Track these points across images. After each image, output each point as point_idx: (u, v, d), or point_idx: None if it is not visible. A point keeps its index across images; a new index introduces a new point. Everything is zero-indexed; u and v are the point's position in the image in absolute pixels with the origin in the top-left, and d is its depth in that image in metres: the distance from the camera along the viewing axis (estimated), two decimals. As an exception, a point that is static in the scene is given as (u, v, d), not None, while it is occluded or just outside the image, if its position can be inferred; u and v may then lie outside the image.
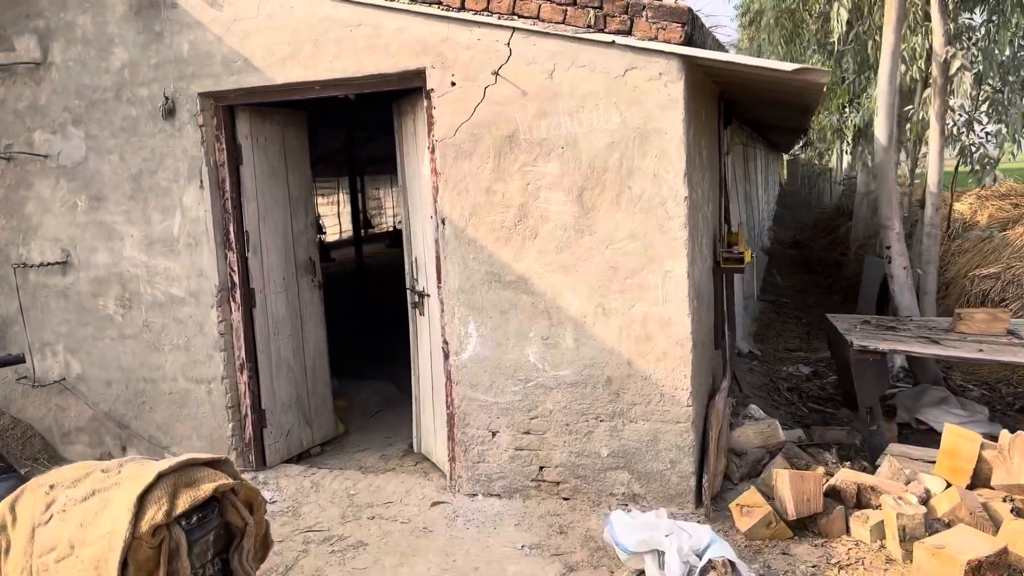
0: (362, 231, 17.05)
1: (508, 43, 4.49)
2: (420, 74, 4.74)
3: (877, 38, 8.73)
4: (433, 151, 4.80)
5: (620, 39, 4.29)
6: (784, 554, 4.08)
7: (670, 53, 4.23)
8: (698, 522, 4.32)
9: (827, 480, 4.40)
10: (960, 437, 4.38)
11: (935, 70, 7.15)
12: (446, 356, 4.97)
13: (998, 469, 4.22)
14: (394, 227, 25.03)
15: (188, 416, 5.51)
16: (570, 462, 4.73)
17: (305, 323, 5.92)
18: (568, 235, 4.55)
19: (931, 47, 7.17)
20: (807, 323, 11.08)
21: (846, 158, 18.41)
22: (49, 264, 5.61)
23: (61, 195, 5.56)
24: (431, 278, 5.15)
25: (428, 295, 5.28)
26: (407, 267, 5.59)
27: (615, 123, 4.38)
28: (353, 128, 12.13)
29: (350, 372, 7.54)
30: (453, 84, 4.62)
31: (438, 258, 4.90)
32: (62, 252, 5.62)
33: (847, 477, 4.37)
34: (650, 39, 4.27)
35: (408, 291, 5.59)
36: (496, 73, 4.51)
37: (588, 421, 4.67)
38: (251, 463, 5.50)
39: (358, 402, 7.09)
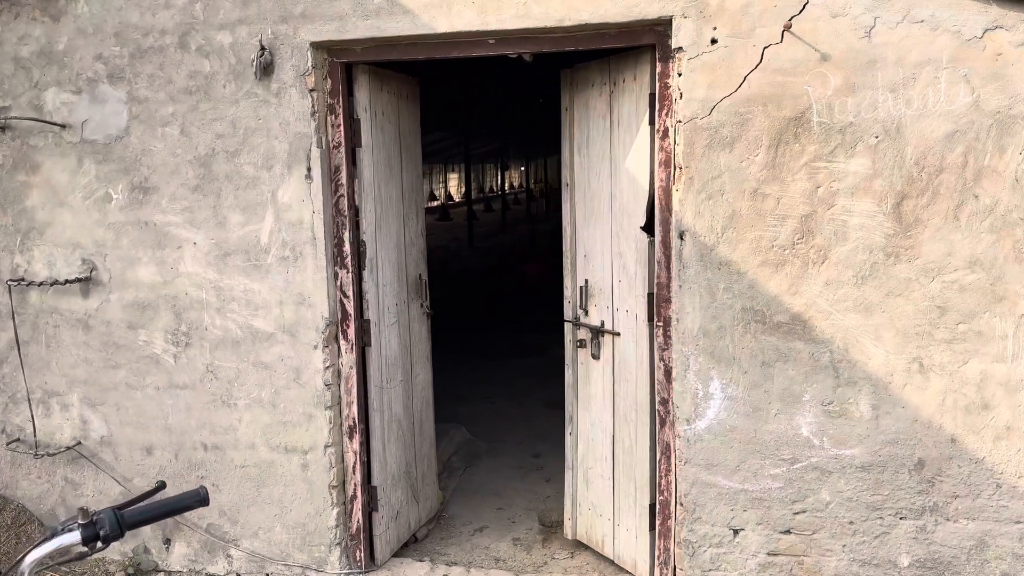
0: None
1: (804, -15, 3.15)
2: (659, 26, 3.34)
3: None
4: (665, 135, 3.40)
5: (983, -16, 3.01)
6: None
7: (1058, 7, 2.97)
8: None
9: None
10: None
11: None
12: (663, 423, 3.58)
13: None
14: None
15: (269, 498, 3.92)
16: (851, 573, 3.42)
17: (415, 364, 4.40)
18: (875, 260, 3.24)
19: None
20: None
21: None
22: (63, 282, 3.92)
23: (86, 182, 3.88)
24: (630, 311, 3.75)
25: (615, 333, 3.87)
26: (569, 292, 4.16)
27: (962, 105, 3.09)
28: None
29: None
30: (714, 42, 3.24)
31: (659, 286, 3.51)
32: (83, 264, 3.93)
33: None
34: (1028, -14, 3.01)
35: (569, 325, 4.16)
36: (786, 28, 3.16)
37: (883, 518, 3.37)
38: (358, 562, 3.96)
39: (437, 455, 5.59)
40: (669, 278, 3.47)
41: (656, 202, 3.49)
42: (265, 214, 3.73)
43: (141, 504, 1.61)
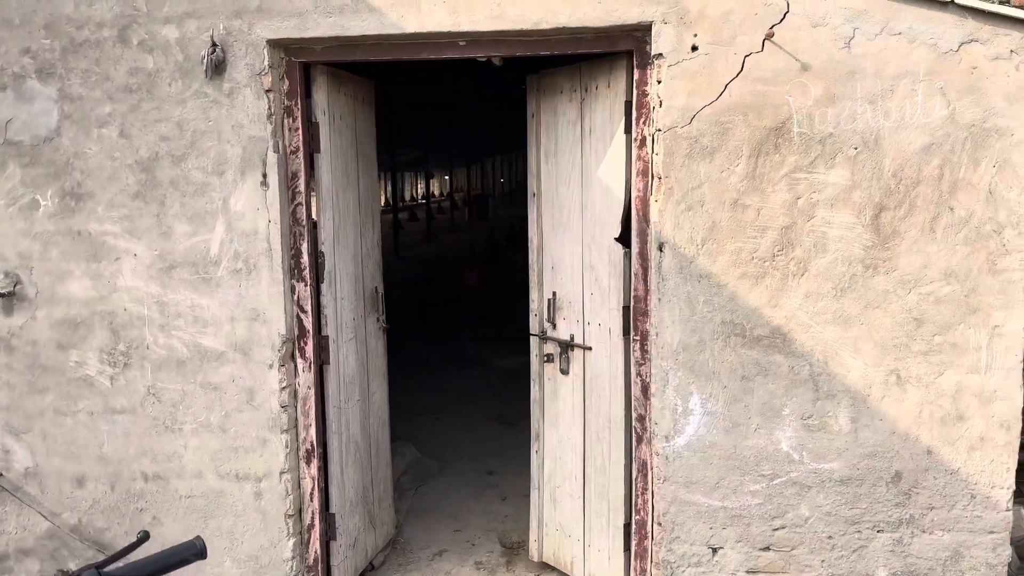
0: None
1: (785, -6, 3.11)
2: (638, 32, 3.25)
3: None
4: (643, 144, 3.31)
5: (960, -2, 3.03)
6: None
7: (1031, 23, 3.02)
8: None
9: None
10: None
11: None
12: (640, 440, 3.48)
13: None
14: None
15: (218, 530, 3.62)
16: (830, 588, 3.39)
17: (371, 382, 4.18)
18: (854, 272, 3.22)
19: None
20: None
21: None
22: (-18, 296, 3.54)
23: (9, 188, 3.52)
24: (603, 325, 3.63)
25: (587, 347, 3.75)
26: (536, 305, 4.02)
27: (938, 117, 3.10)
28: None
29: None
30: (694, 49, 3.16)
31: (635, 299, 3.41)
32: (5, 278, 3.56)
33: None
34: (1001, 1, 3.05)
35: (536, 339, 4.02)
36: (768, 37, 3.11)
37: (861, 532, 3.35)
38: (316, 596, 3.71)
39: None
40: (647, 291, 3.37)
41: (633, 213, 3.39)
42: (215, 223, 3.45)
43: (129, 562, 1.37)
